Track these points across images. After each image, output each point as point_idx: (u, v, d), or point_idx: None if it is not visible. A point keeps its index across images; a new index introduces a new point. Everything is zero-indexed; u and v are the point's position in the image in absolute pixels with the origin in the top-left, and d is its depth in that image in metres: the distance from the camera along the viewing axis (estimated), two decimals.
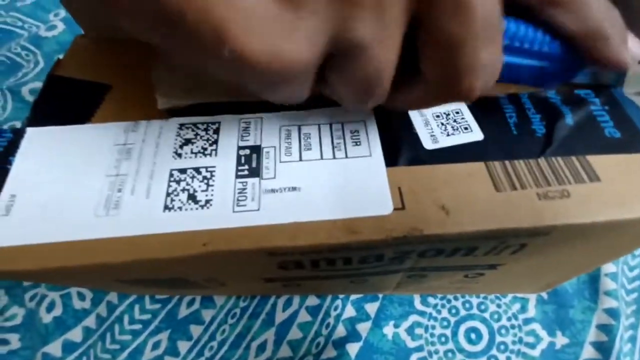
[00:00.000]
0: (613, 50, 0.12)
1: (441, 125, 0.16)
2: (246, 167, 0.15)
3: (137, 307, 0.26)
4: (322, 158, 0.15)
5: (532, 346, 0.26)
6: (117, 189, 0.14)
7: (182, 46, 0.09)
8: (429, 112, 0.16)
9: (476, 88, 0.11)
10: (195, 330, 0.26)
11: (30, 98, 0.29)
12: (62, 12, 0.35)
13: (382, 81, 0.11)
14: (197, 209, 0.14)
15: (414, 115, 0.16)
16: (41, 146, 0.15)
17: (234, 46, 0.09)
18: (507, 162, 0.14)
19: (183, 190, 0.14)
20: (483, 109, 0.16)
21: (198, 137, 0.15)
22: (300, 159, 0.15)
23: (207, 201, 0.14)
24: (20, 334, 0.24)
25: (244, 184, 0.14)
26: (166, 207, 0.14)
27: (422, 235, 0.13)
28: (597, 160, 0.14)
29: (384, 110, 0.15)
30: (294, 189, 0.14)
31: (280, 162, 0.15)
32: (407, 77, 0.12)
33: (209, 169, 0.15)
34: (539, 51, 0.13)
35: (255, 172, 0.14)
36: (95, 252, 0.13)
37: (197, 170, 0.15)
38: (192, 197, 0.14)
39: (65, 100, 0.17)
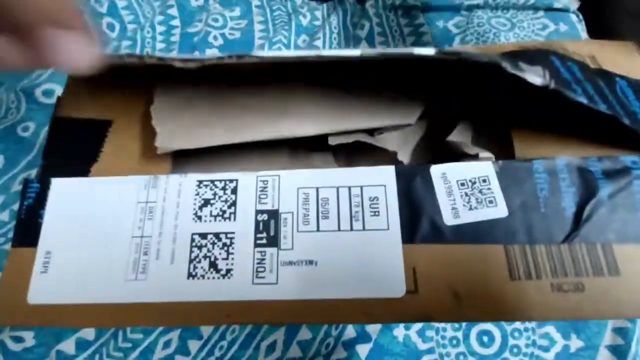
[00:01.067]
0: None
1: (465, 196, 0.15)
2: (264, 234, 0.15)
3: None
4: (339, 229, 0.15)
5: (546, 349, 0.26)
6: (143, 252, 0.15)
7: None
8: (454, 179, 0.16)
9: None
10: (206, 329, 0.26)
11: (44, 99, 0.29)
12: None
13: None
14: (218, 278, 0.14)
15: (438, 182, 0.16)
16: (67, 200, 0.16)
17: None
18: (527, 247, 0.14)
19: (205, 257, 0.15)
20: (514, 175, 0.15)
21: (216, 198, 0.16)
22: (318, 229, 0.15)
23: (228, 270, 0.15)
24: (34, 331, 0.25)
25: (263, 253, 0.15)
26: (190, 275, 0.15)
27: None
28: (623, 251, 0.14)
29: (406, 174, 0.16)
30: (310, 262, 0.15)
31: (298, 231, 0.15)
32: None
33: (229, 235, 0.15)
34: None
35: (274, 242, 0.15)
36: (125, 317, 0.14)
37: (217, 236, 0.15)
38: (213, 265, 0.15)
39: (70, 142, 0.18)
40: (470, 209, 0.15)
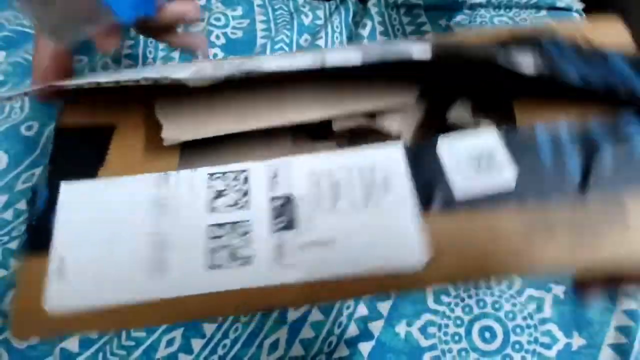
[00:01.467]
0: None
1: (473, 166, 0.16)
2: (280, 219, 0.15)
3: None
4: (353, 208, 0.15)
5: (548, 347, 0.26)
6: (160, 248, 0.15)
7: None
8: (461, 151, 0.16)
9: None
10: (209, 328, 0.26)
11: None
12: None
13: None
14: (239, 266, 0.14)
15: (445, 155, 0.16)
16: (78, 202, 0.16)
17: None
18: (539, 209, 0.15)
19: (223, 247, 0.15)
20: (518, 143, 0.16)
21: (229, 188, 0.16)
22: (333, 210, 0.15)
23: (248, 258, 0.15)
24: None
25: (280, 238, 0.15)
26: (210, 266, 0.15)
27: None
28: (634, 202, 0.15)
29: (414, 150, 0.16)
30: (328, 242, 0.15)
31: (313, 214, 0.15)
32: None
33: (245, 224, 0.15)
34: None
35: (290, 226, 0.15)
36: (150, 315, 0.14)
37: (233, 225, 0.15)
38: (232, 255, 0.15)
39: (76, 149, 0.18)
40: (479, 178, 0.15)
